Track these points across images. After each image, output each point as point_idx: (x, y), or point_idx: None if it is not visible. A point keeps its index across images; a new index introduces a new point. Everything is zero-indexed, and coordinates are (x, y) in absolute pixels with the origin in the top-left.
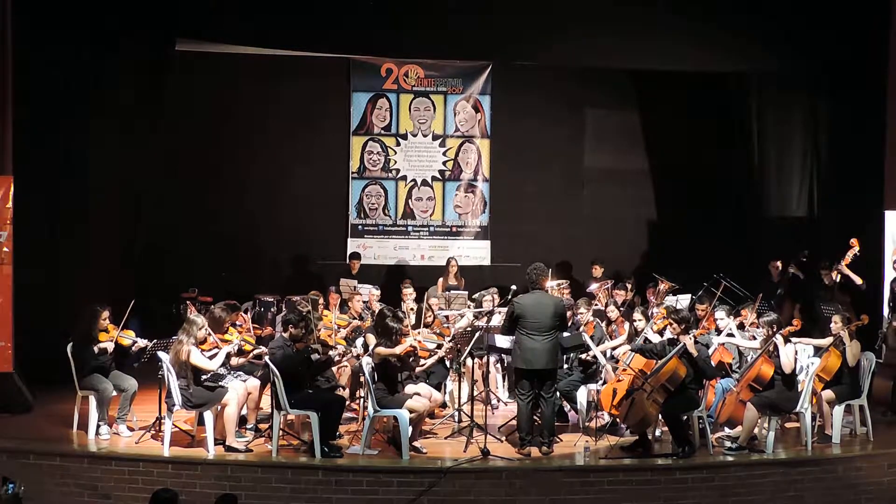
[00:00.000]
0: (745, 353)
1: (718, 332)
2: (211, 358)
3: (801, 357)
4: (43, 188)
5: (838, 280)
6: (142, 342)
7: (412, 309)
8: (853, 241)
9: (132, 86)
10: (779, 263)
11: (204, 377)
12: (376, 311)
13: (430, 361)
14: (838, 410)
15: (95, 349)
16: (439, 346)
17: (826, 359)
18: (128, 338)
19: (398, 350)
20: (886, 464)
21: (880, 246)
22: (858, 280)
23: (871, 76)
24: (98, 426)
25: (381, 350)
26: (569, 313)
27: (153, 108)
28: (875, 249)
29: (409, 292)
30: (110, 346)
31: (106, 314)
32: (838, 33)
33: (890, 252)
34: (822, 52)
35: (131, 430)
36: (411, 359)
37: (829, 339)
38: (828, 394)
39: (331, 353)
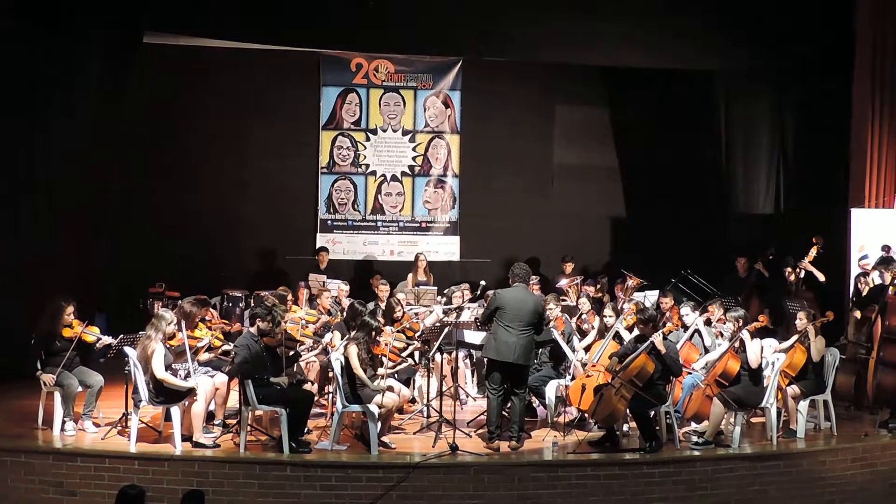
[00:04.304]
0: (712, 349)
1: (685, 328)
2: (167, 369)
3: (767, 353)
4: (8, 183)
5: (802, 276)
6: (106, 339)
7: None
8: (815, 238)
9: (99, 78)
10: (744, 260)
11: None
12: (346, 307)
13: (395, 369)
14: (803, 405)
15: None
16: (409, 345)
17: (791, 355)
18: (92, 334)
19: (367, 380)
20: (850, 458)
21: (846, 243)
22: (821, 276)
23: (836, 74)
24: (63, 422)
25: (354, 361)
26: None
27: (120, 101)
28: (840, 246)
29: (384, 289)
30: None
31: (71, 309)
32: (804, 31)
33: (855, 249)
34: (789, 50)
35: (97, 426)
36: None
37: (794, 338)
38: (793, 389)
39: (298, 347)
